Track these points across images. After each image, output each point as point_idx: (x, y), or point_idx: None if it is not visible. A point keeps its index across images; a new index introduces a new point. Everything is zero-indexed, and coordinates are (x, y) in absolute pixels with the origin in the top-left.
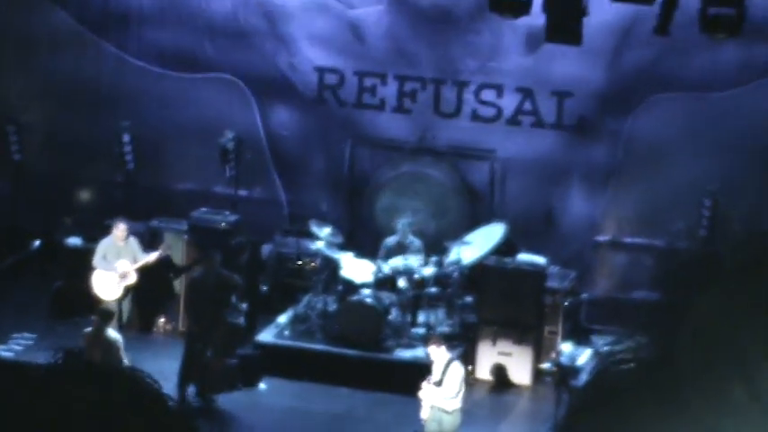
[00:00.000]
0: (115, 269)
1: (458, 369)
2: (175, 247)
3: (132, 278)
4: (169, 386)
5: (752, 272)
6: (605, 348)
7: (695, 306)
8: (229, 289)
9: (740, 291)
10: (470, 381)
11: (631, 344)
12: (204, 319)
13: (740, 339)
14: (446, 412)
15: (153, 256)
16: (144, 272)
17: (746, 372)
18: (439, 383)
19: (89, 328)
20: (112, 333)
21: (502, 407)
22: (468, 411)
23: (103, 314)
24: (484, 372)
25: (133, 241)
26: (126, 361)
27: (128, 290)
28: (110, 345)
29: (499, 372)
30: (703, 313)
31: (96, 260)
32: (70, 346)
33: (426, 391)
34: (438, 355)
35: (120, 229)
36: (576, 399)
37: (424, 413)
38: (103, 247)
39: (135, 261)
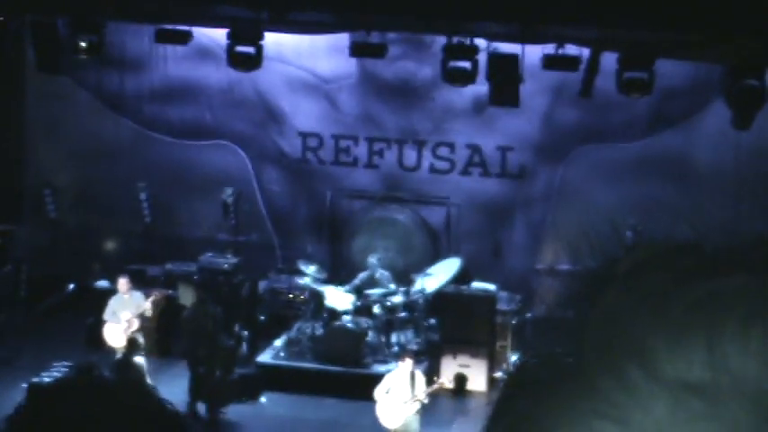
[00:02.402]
0: (120, 321)
1: (421, 376)
2: (185, 293)
3: (135, 326)
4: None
5: (640, 271)
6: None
7: (596, 306)
8: (214, 321)
9: (632, 288)
10: (436, 389)
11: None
12: (202, 346)
13: (634, 329)
14: (415, 414)
15: (147, 304)
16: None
17: (642, 356)
18: (410, 393)
19: (119, 356)
20: (139, 359)
21: (462, 410)
22: (433, 414)
23: (131, 343)
24: (446, 381)
25: (137, 294)
26: (150, 383)
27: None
28: (136, 370)
29: (460, 380)
30: (603, 310)
31: (106, 314)
32: (82, 363)
33: (405, 407)
34: (407, 367)
35: (121, 283)
36: (499, 392)
37: (394, 424)
38: (112, 302)
39: (138, 310)
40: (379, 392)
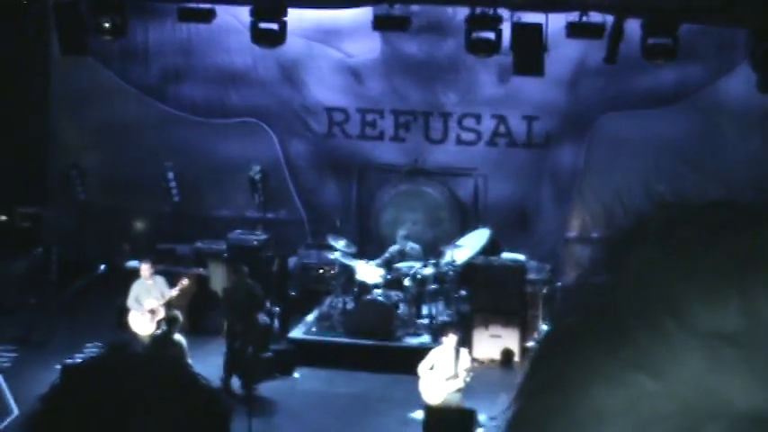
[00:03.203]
0: (144, 309)
1: (466, 353)
2: (215, 271)
3: (160, 313)
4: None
5: (673, 225)
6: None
7: (628, 260)
8: (255, 296)
9: (664, 241)
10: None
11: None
12: (239, 321)
13: (668, 282)
14: (457, 391)
15: (175, 291)
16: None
17: (676, 308)
18: (454, 370)
19: (158, 332)
20: (178, 336)
21: (497, 379)
22: (476, 389)
23: (170, 320)
24: (479, 352)
25: (159, 279)
26: (189, 360)
27: (159, 323)
28: (175, 346)
29: (506, 354)
30: (636, 263)
31: (129, 302)
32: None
33: (446, 384)
34: (451, 343)
35: (144, 269)
36: (534, 349)
37: (436, 399)
38: (135, 288)
39: (162, 297)
40: (422, 368)
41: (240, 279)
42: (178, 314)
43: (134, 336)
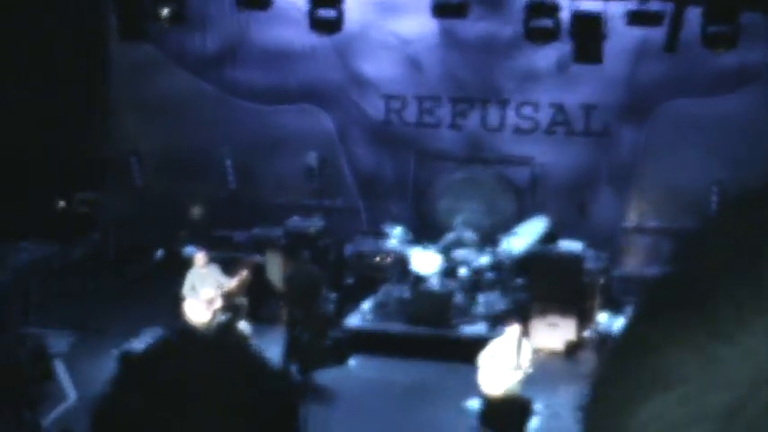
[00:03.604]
0: (200, 298)
1: (528, 344)
2: (272, 259)
3: (218, 303)
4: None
5: (749, 205)
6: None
7: (708, 236)
8: (317, 282)
9: (745, 219)
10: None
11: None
12: (300, 308)
13: (747, 260)
14: (518, 382)
15: (234, 281)
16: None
17: (756, 284)
18: (516, 360)
19: (223, 318)
20: (243, 324)
21: (553, 367)
22: (538, 379)
23: (235, 307)
24: (536, 341)
25: (214, 268)
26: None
27: (216, 312)
28: (240, 334)
29: (570, 345)
30: (716, 237)
31: (185, 290)
32: (181, 325)
33: (507, 375)
34: (514, 333)
35: (198, 258)
36: (624, 323)
37: (496, 390)
38: (190, 277)
39: (218, 286)
40: (483, 358)
41: (301, 265)
42: (243, 301)
43: (191, 324)
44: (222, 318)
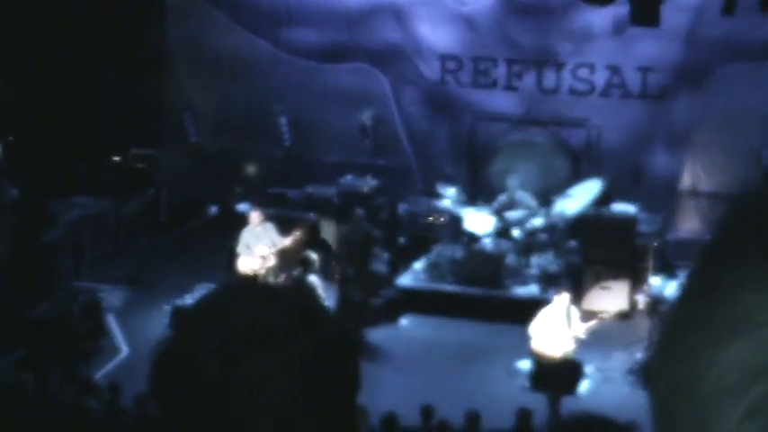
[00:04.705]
0: (254, 254)
1: (577, 311)
2: (327, 229)
3: (271, 261)
4: None
5: None
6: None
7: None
8: (372, 241)
9: None
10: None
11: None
12: (354, 266)
13: None
14: (572, 349)
15: (288, 240)
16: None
17: None
18: (567, 328)
19: (295, 273)
20: (313, 277)
21: (605, 331)
22: (592, 343)
23: (306, 261)
24: (589, 304)
25: (269, 226)
26: (325, 301)
27: (269, 271)
28: (311, 287)
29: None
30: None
31: (240, 248)
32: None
33: (561, 343)
34: (563, 301)
35: (253, 216)
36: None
37: (551, 351)
38: (245, 235)
39: (273, 244)
40: (533, 328)
41: (357, 224)
42: (314, 256)
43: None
44: (294, 271)
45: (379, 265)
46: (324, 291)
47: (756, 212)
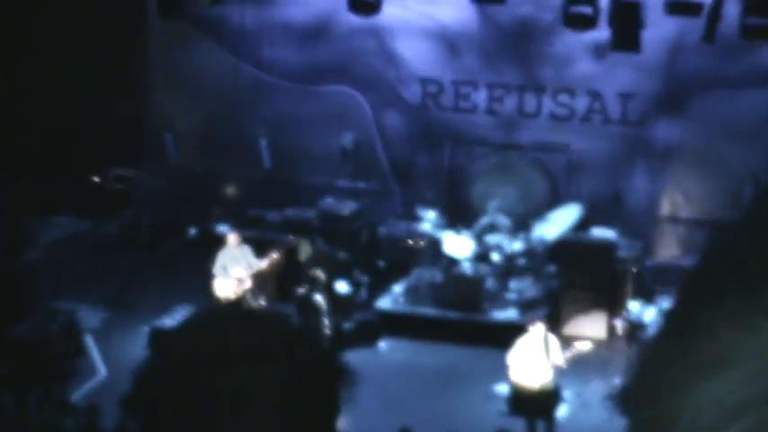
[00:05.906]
0: (231, 276)
1: (555, 339)
2: (305, 249)
3: (248, 283)
4: None
5: None
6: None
7: (755, 223)
8: (335, 264)
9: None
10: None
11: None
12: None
13: None
14: (551, 378)
15: (264, 263)
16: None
17: None
18: (542, 360)
19: (301, 291)
20: (318, 297)
21: (584, 356)
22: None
23: (312, 280)
24: (567, 329)
25: (246, 248)
26: (327, 323)
27: (245, 293)
28: (316, 308)
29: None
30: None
31: (216, 269)
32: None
33: (540, 372)
34: (538, 331)
35: (231, 238)
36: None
37: (530, 381)
38: (222, 256)
39: (249, 266)
40: (511, 358)
41: (315, 252)
42: (320, 275)
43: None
44: (300, 290)
45: (346, 288)
46: (326, 311)
47: (734, 247)
